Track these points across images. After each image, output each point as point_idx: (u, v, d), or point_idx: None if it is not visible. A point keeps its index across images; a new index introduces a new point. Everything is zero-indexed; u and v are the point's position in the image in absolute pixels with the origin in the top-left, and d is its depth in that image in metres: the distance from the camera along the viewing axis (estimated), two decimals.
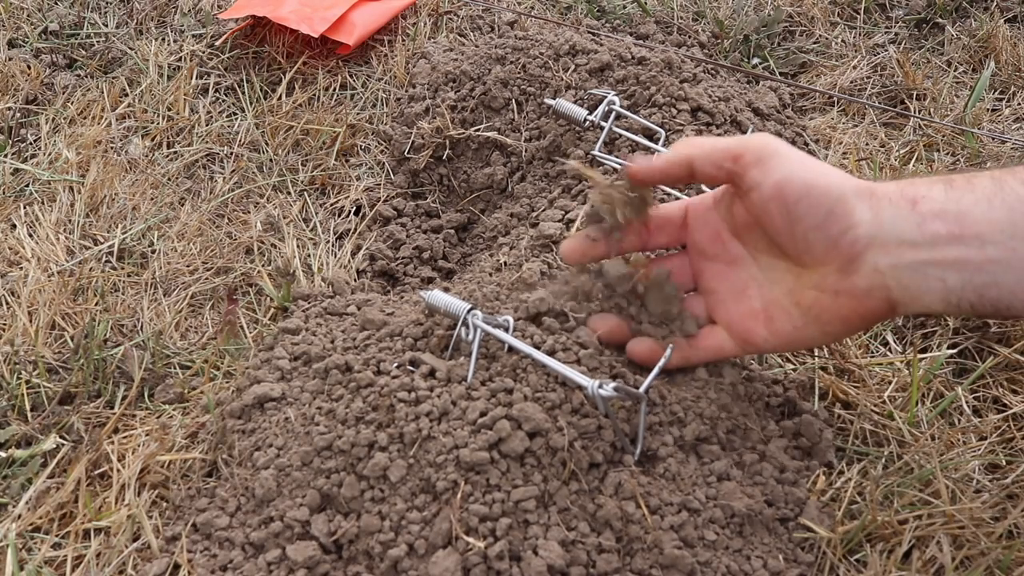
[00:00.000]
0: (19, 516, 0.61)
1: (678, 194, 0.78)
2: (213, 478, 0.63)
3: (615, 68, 0.91)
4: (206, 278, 0.82)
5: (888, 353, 0.71)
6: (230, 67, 1.07)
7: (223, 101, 1.03)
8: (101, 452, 0.65)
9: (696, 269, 0.61)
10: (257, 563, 0.56)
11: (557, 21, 1.12)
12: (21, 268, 0.81)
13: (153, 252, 0.84)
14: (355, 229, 0.87)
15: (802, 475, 0.62)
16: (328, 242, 0.85)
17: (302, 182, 0.92)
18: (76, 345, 0.73)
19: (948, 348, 0.71)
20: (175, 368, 0.74)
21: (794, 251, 0.54)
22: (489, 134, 0.90)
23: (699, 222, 0.60)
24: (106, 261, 0.83)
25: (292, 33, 1.07)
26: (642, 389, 0.56)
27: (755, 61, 1.07)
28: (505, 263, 0.75)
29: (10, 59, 1.07)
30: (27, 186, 0.92)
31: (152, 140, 0.98)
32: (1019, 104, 0.99)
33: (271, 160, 0.94)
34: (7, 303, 0.78)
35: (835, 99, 1.00)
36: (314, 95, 1.02)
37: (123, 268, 0.83)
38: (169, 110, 1.01)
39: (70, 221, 0.87)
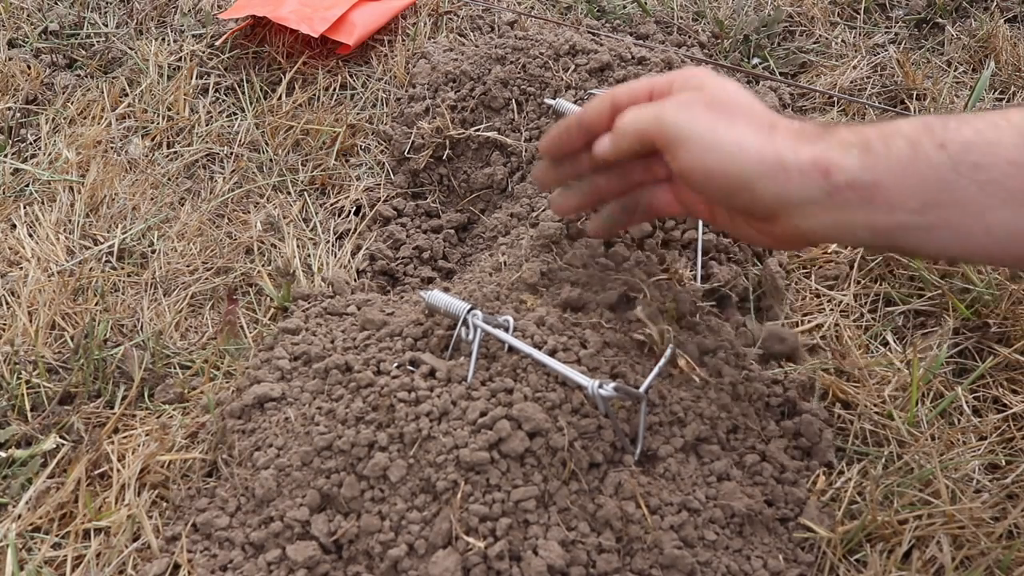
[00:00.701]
0: (19, 516, 0.61)
1: None
2: (213, 478, 0.63)
3: (615, 68, 0.91)
4: (206, 278, 0.82)
5: (888, 353, 0.71)
6: (230, 67, 1.07)
7: (223, 101, 1.03)
8: (101, 452, 0.65)
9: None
10: (257, 563, 0.56)
11: (557, 21, 1.12)
12: (21, 268, 0.81)
13: (153, 252, 0.84)
14: (355, 229, 0.87)
15: (802, 475, 0.62)
16: (328, 242, 0.85)
17: (302, 182, 0.92)
18: (76, 345, 0.73)
19: (948, 348, 0.71)
20: (175, 368, 0.74)
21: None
22: (489, 134, 0.90)
23: None
24: (106, 261, 0.83)
25: (292, 33, 1.07)
26: (642, 389, 0.56)
27: (755, 61, 1.07)
28: (505, 263, 0.75)
29: (10, 59, 1.07)
30: (27, 186, 0.92)
31: (152, 140, 0.98)
32: (1019, 104, 0.99)
33: (271, 160, 0.94)
34: (7, 303, 0.78)
35: (835, 99, 1.00)
36: (314, 95, 1.02)
37: (123, 268, 0.83)
38: (169, 110, 1.01)
39: (70, 221, 0.87)
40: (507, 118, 0.91)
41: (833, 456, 0.64)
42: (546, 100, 0.88)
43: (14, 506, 0.62)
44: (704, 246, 0.76)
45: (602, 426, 0.56)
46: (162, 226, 0.87)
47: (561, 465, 0.55)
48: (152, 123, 0.99)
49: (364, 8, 1.09)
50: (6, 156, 0.95)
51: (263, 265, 0.82)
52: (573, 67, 0.91)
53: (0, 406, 0.69)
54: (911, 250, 0.51)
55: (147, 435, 0.67)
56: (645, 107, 0.57)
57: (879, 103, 0.99)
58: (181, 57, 1.07)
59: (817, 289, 0.76)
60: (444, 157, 0.92)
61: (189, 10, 1.16)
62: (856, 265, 0.77)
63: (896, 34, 1.11)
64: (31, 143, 0.98)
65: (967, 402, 0.67)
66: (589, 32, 1.05)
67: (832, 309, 0.75)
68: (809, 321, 0.74)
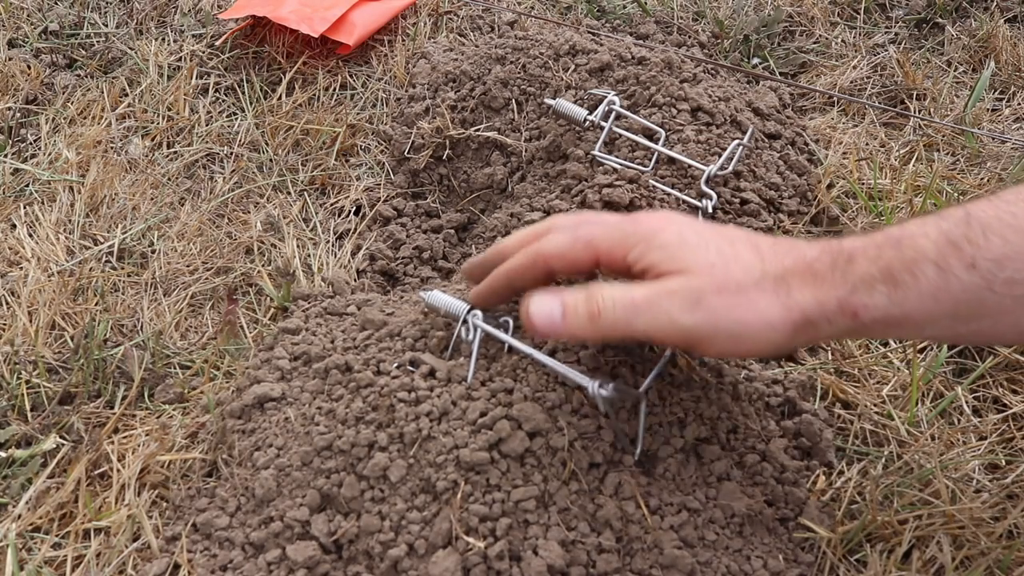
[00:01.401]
0: (19, 516, 0.61)
1: (669, 190, 0.78)
2: (213, 478, 0.63)
3: (615, 68, 0.91)
4: (206, 278, 0.82)
5: (888, 353, 0.71)
6: (230, 67, 1.07)
7: (223, 101, 1.03)
8: (101, 452, 0.65)
9: None
10: (257, 563, 0.56)
11: (557, 21, 1.12)
12: (21, 268, 0.81)
13: (153, 252, 0.84)
14: (355, 229, 0.87)
15: (802, 475, 0.62)
16: (328, 242, 0.85)
17: (302, 182, 0.92)
18: (76, 345, 0.73)
19: (948, 347, 0.71)
20: (175, 368, 0.74)
21: None
22: (489, 134, 0.90)
23: None
24: (106, 261, 0.83)
25: (292, 33, 1.07)
26: (642, 389, 0.56)
27: (755, 61, 1.07)
28: None
29: (10, 59, 1.07)
30: (27, 186, 0.92)
31: (152, 140, 0.98)
32: (1019, 104, 0.99)
33: (271, 160, 0.94)
34: (7, 303, 0.78)
35: (835, 99, 1.00)
36: (314, 95, 1.02)
37: (123, 268, 0.83)
38: (169, 110, 1.01)
39: (70, 221, 0.87)
40: (507, 118, 0.91)
41: (833, 456, 0.64)
42: (546, 100, 0.88)
43: (14, 506, 0.62)
44: None
45: (602, 426, 0.56)
46: (162, 226, 0.87)
47: (561, 465, 0.55)
48: (152, 123, 0.99)
49: (364, 8, 1.09)
50: (6, 156, 0.95)
51: (263, 265, 0.82)
52: (573, 67, 0.91)
53: (0, 406, 0.69)
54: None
55: (147, 435, 0.67)
56: (641, 305, 0.49)
57: (879, 103, 0.99)
58: (181, 57, 1.07)
59: None
60: (444, 157, 0.92)
61: (189, 10, 1.16)
62: None
63: (896, 34, 1.11)
64: (31, 143, 0.98)
65: (967, 402, 0.67)
66: (589, 32, 1.06)
67: None
68: None
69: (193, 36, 1.11)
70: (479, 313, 0.59)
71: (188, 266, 0.83)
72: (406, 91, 1.00)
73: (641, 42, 1.05)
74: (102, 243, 0.85)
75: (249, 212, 0.89)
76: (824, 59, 1.07)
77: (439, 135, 0.91)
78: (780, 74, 1.05)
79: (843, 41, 1.11)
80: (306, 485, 0.58)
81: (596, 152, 0.82)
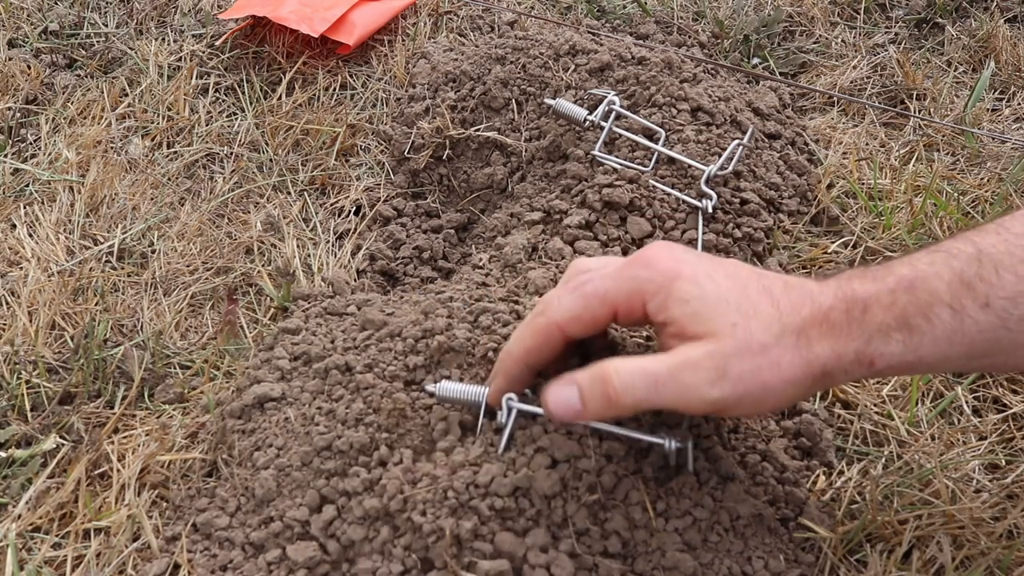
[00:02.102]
0: (19, 516, 0.61)
1: (669, 190, 0.78)
2: (213, 478, 0.63)
3: (615, 68, 0.91)
4: (206, 278, 0.82)
5: None
6: (230, 67, 1.07)
7: (223, 101, 1.03)
8: (101, 452, 0.65)
9: None
10: (257, 563, 0.56)
11: (557, 21, 1.12)
12: (21, 268, 0.81)
13: (153, 252, 0.84)
14: (355, 229, 0.87)
15: (802, 475, 0.62)
16: (328, 242, 0.85)
17: (302, 182, 0.92)
18: (76, 345, 0.73)
19: None
20: (175, 368, 0.74)
21: None
22: (489, 134, 0.90)
23: None
24: (106, 261, 0.83)
25: (292, 33, 1.07)
26: (684, 427, 0.57)
27: (755, 61, 1.07)
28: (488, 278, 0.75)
29: (10, 59, 1.07)
30: (27, 186, 0.92)
31: (152, 140, 0.98)
32: (1019, 104, 0.99)
33: (271, 160, 0.94)
34: (7, 303, 0.78)
35: (835, 99, 1.00)
36: (314, 95, 1.02)
37: (123, 268, 0.83)
38: (169, 110, 1.01)
39: (70, 221, 0.87)
40: (507, 118, 0.91)
41: (833, 456, 0.64)
42: (546, 100, 0.88)
43: (14, 506, 0.62)
44: (704, 246, 0.76)
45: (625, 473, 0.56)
46: (162, 226, 0.87)
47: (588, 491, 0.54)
48: (152, 123, 0.99)
49: (364, 8, 1.09)
50: (6, 156, 0.95)
51: (263, 265, 0.82)
52: (573, 67, 0.91)
53: (0, 406, 0.69)
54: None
55: (147, 435, 0.67)
56: (664, 381, 0.48)
57: (879, 103, 0.99)
58: (181, 57, 1.07)
59: None
60: (444, 157, 0.92)
61: (189, 10, 1.16)
62: (856, 265, 0.77)
63: (896, 34, 1.11)
64: (31, 143, 0.98)
65: (967, 402, 0.67)
66: (589, 32, 1.05)
67: None
68: None
69: (193, 36, 1.11)
70: (514, 396, 0.56)
71: (188, 266, 0.83)
72: (406, 91, 1.00)
73: (641, 42, 1.05)
74: (102, 243, 0.85)
75: (249, 212, 0.89)
76: (824, 59, 1.07)
77: (439, 135, 0.91)
78: (780, 74, 1.05)
79: (843, 41, 1.11)
80: (306, 485, 0.58)
81: (596, 152, 0.82)
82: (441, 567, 0.52)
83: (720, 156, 0.80)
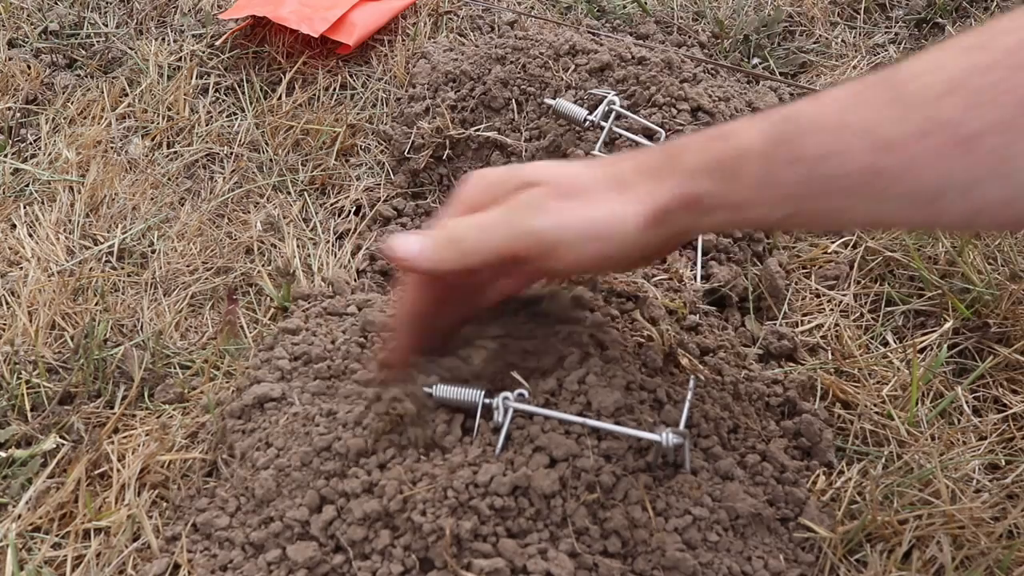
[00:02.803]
0: (19, 516, 0.61)
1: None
2: (213, 478, 0.63)
3: (615, 68, 0.91)
4: (206, 278, 0.82)
5: (888, 353, 0.71)
6: (230, 67, 1.07)
7: (223, 101, 1.03)
8: (101, 452, 0.65)
9: None
10: (257, 563, 0.56)
11: (557, 21, 1.12)
12: (21, 268, 0.81)
13: (153, 252, 0.84)
14: (355, 229, 0.87)
15: (802, 475, 0.62)
16: (328, 242, 0.85)
17: (302, 182, 0.92)
18: (76, 345, 0.73)
19: (948, 348, 0.71)
20: (175, 368, 0.74)
21: None
22: (489, 134, 0.90)
23: None
24: (106, 261, 0.83)
25: (292, 33, 1.07)
26: (682, 426, 0.57)
27: (755, 61, 1.07)
28: None
29: (10, 59, 1.07)
30: (27, 186, 0.92)
31: (152, 140, 0.98)
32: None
33: (271, 160, 0.94)
34: (7, 303, 0.78)
35: None
36: (314, 95, 1.02)
37: (123, 268, 0.83)
38: (169, 110, 1.01)
39: (70, 221, 0.87)
40: (507, 118, 0.91)
41: (833, 456, 0.64)
42: (546, 100, 0.88)
43: (14, 506, 0.62)
44: (704, 246, 0.76)
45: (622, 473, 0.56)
46: (162, 226, 0.87)
47: (587, 489, 0.54)
48: (152, 123, 0.99)
49: (364, 8, 1.09)
50: (6, 156, 0.95)
51: (263, 265, 0.82)
52: (573, 67, 0.91)
53: (0, 406, 0.69)
54: (796, 229, 0.52)
55: (147, 435, 0.67)
56: (497, 223, 0.52)
57: None
58: (181, 57, 1.07)
59: (817, 289, 0.76)
60: (444, 157, 0.92)
61: (189, 10, 1.16)
62: (856, 265, 0.77)
63: (896, 34, 1.12)
64: (31, 143, 0.98)
65: (967, 402, 0.67)
66: (589, 32, 1.05)
67: (832, 309, 0.75)
68: (809, 321, 0.74)
69: (193, 36, 1.11)
70: (510, 395, 0.56)
71: (188, 266, 0.83)
72: (406, 91, 1.00)
73: (641, 42, 1.05)
74: (102, 243, 0.85)
75: (249, 212, 0.89)
76: (824, 59, 1.07)
77: (439, 135, 0.91)
78: (780, 74, 1.05)
79: (843, 41, 1.11)
80: (306, 485, 0.58)
81: (596, 152, 0.81)
82: (441, 567, 0.52)
83: None
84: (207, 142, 0.97)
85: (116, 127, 0.99)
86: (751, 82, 1.02)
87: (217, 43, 1.08)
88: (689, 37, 1.10)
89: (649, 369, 0.61)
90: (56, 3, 1.18)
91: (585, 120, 0.83)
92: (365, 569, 0.53)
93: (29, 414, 0.68)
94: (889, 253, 0.77)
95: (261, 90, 1.03)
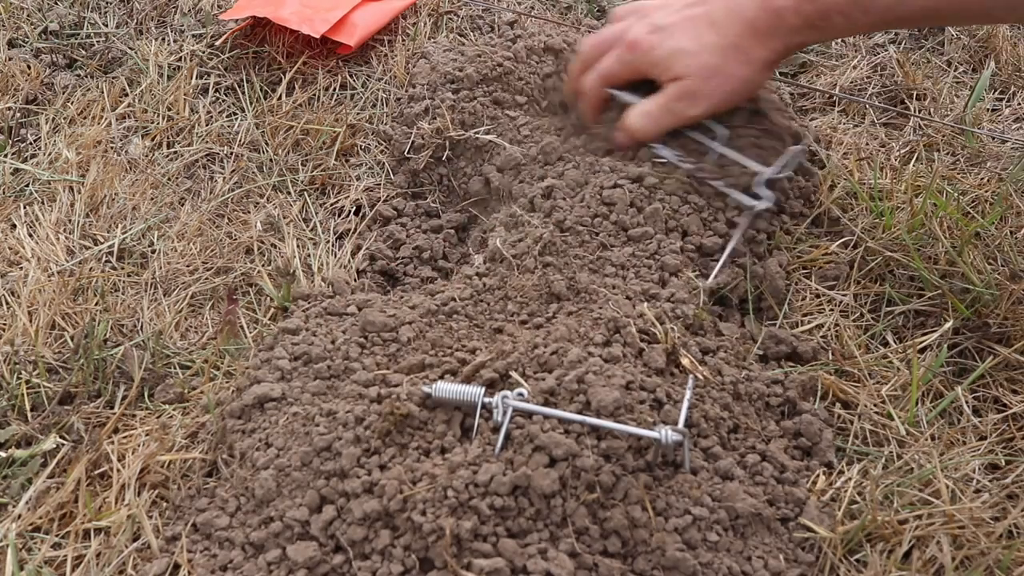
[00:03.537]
0: (19, 516, 0.61)
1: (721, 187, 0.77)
2: (213, 478, 0.63)
3: None
4: (206, 278, 0.82)
5: (888, 353, 0.71)
6: (230, 67, 1.07)
7: (223, 101, 1.03)
8: (101, 452, 0.65)
9: None
10: (257, 563, 0.56)
11: (557, 21, 1.12)
12: (21, 268, 0.81)
13: (153, 252, 0.84)
14: (355, 229, 0.87)
15: (802, 475, 0.62)
16: (328, 242, 0.85)
17: (302, 182, 0.92)
18: (76, 345, 0.73)
19: (948, 348, 0.71)
20: (175, 368, 0.74)
21: None
22: (489, 137, 0.90)
23: None
24: (106, 261, 0.83)
25: (292, 33, 1.07)
26: (681, 425, 0.57)
27: None
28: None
29: (10, 59, 1.07)
30: (27, 186, 0.92)
31: (152, 140, 0.98)
32: (1019, 104, 0.99)
33: (271, 160, 0.94)
34: (7, 303, 0.78)
35: (836, 99, 1.00)
36: (314, 95, 1.02)
37: (123, 268, 0.83)
38: (169, 110, 1.01)
39: (70, 221, 0.87)
40: (507, 118, 0.91)
41: (833, 456, 0.64)
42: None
43: (14, 506, 0.62)
44: (709, 247, 0.76)
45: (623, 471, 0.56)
46: (162, 226, 0.87)
47: (587, 489, 0.54)
48: (152, 123, 0.99)
49: (365, 9, 1.09)
50: (6, 156, 0.95)
51: (263, 265, 0.82)
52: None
53: (0, 406, 0.69)
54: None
55: (147, 435, 0.67)
56: (661, 112, 0.78)
57: (879, 103, 0.99)
58: (181, 57, 1.07)
59: (817, 289, 0.76)
60: (444, 158, 0.92)
61: (189, 10, 1.16)
62: (856, 265, 0.77)
63: (896, 34, 1.11)
64: (31, 143, 0.98)
65: (967, 402, 0.67)
66: (589, 32, 1.05)
67: (832, 309, 0.75)
68: (809, 321, 0.74)
69: (193, 36, 1.11)
70: (509, 394, 0.57)
71: (188, 266, 0.83)
72: (406, 91, 1.00)
73: None
74: (102, 243, 0.85)
75: (249, 212, 0.89)
76: (824, 59, 1.07)
77: (439, 136, 0.91)
78: (780, 74, 1.05)
79: (843, 41, 1.11)
80: (306, 486, 0.58)
81: (653, 145, 0.80)
82: (441, 567, 0.52)
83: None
84: (207, 142, 0.97)
85: (116, 127, 0.99)
86: None
87: (217, 43, 1.08)
88: None
89: (650, 369, 0.61)
90: (56, 3, 1.18)
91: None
92: (365, 569, 0.53)
93: (29, 414, 0.68)
94: (889, 253, 0.77)
95: (261, 90, 1.03)
